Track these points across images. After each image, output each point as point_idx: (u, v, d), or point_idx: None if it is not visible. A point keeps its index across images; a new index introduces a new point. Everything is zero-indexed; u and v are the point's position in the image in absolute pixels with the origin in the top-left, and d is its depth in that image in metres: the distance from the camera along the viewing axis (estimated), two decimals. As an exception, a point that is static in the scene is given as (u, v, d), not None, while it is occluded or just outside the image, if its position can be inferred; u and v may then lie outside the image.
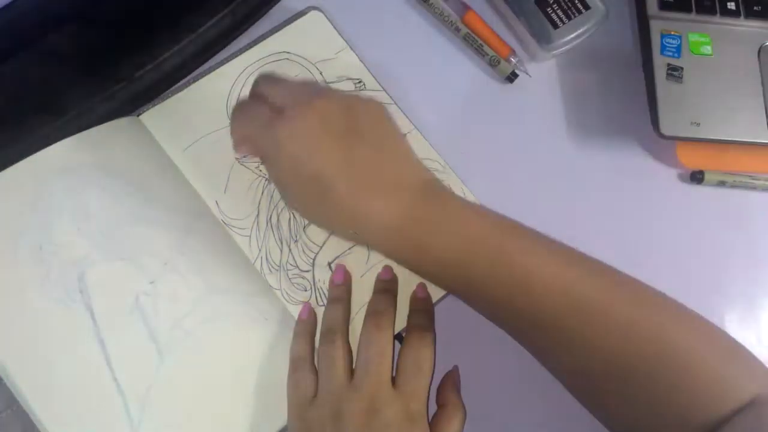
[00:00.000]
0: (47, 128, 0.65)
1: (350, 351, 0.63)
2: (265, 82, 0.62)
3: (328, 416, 0.58)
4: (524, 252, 0.56)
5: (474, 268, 0.55)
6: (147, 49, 0.68)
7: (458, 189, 0.70)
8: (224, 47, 0.72)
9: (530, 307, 0.55)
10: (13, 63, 0.65)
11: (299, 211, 0.65)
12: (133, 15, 0.69)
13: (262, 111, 0.58)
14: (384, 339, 0.61)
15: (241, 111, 0.61)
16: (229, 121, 0.68)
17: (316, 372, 0.62)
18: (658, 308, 0.57)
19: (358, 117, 0.57)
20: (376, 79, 0.73)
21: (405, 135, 0.60)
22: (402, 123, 0.72)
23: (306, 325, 0.65)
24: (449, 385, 0.65)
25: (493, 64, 0.75)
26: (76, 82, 0.66)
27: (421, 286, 0.67)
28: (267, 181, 0.68)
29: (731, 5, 0.75)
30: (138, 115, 0.68)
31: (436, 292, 0.68)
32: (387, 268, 0.67)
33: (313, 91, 0.58)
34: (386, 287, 0.66)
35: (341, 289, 0.66)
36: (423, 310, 0.66)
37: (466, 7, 0.76)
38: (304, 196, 0.57)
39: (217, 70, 0.71)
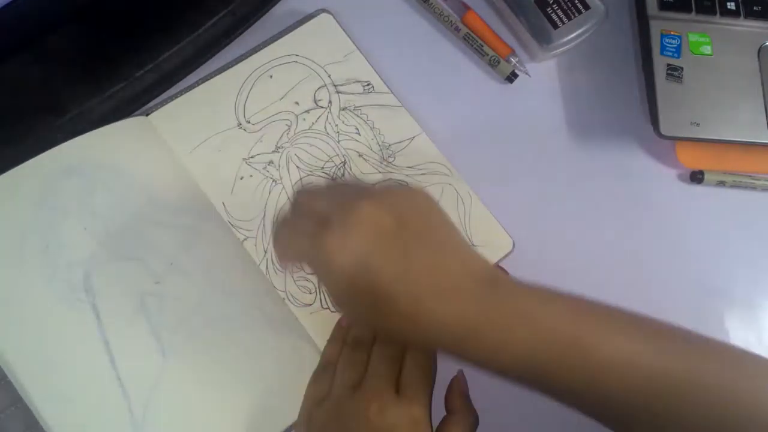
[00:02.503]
0: (47, 128, 0.65)
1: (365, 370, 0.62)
2: (303, 192, 0.58)
3: (332, 416, 0.58)
4: (598, 337, 0.51)
5: (547, 359, 0.51)
6: (147, 49, 0.68)
7: (465, 193, 0.70)
8: (224, 47, 0.73)
9: (612, 394, 0.51)
10: (13, 63, 0.66)
11: (358, 323, 0.62)
12: (133, 15, 0.70)
13: (307, 224, 0.53)
14: (395, 349, 0.61)
15: (284, 226, 0.57)
16: (237, 123, 0.69)
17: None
18: (752, 372, 0.54)
19: (406, 214, 0.51)
20: (384, 82, 0.73)
21: (451, 221, 0.56)
22: (410, 126, 0.72)
23: (342, 331, 0.65)
24: (456, 391, 0.64)
25: (493, 64, 0.75)
26: (76, 82, 0.66)
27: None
28: (274, 183, 0.69)
29: (731, 5, 0.75)
30: (147, 115, 0.68)
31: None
32: None
33: (355, 194, 0.52)
34: None
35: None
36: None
37: (466, 7, 0.76)
38: (362, 308, 0.51)
39: (226, 72, 0.71)
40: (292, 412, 0.62)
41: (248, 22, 0.73)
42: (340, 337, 0.65)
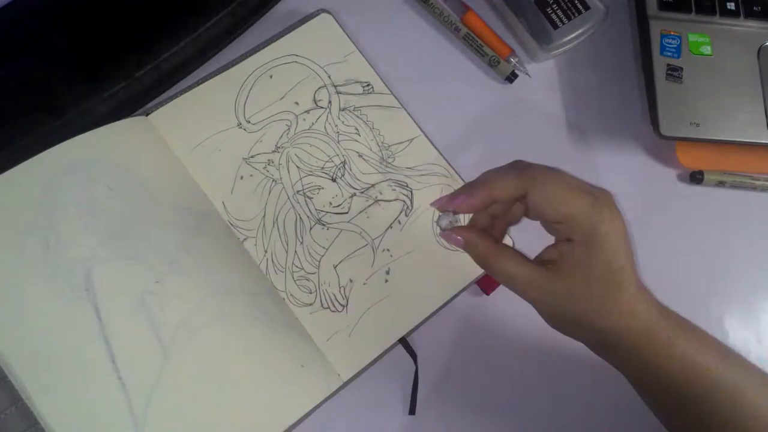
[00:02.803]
0: (47, 128, 0.65)
1: None
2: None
3: None
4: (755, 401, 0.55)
5: (719, 373, 0.54)
6: (147, 49, 0.68)
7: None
8: (224, 47, 0.73)
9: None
10: (13, 63, 0.66)
11: (563, 303, 0.56)
12: (132, 15, 0.69)
13: (580, 183, 0.54)
14: None
15: (549, 175, 0.55)
16: (237, 122, 0.70)
17: None
18: None
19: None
20: (384, 83, 0.73)
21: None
22: (410, 127, 0.72)
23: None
24: None
25: (493, 64, 0.75)
26: (76, 82, 0.66)
27: None
28: (273, 182, 0.69)
29: (731, 5, 0.75)
30: (147, 115, 0.69)
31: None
32: None
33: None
34: None
35: None
36: None
37: (466, 7, 0.76)
38: (594, 285, 0.53)
39: (227, 72, 0.71)
40: (293, 412, 0.63)
41: (248, 23, 0.73)
42: None
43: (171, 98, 0.69)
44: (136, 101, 0.69)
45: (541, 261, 0.56)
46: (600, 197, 0.52)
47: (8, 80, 0.66)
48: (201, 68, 0.72)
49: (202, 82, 0.70)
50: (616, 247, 0.52)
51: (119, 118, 0.67)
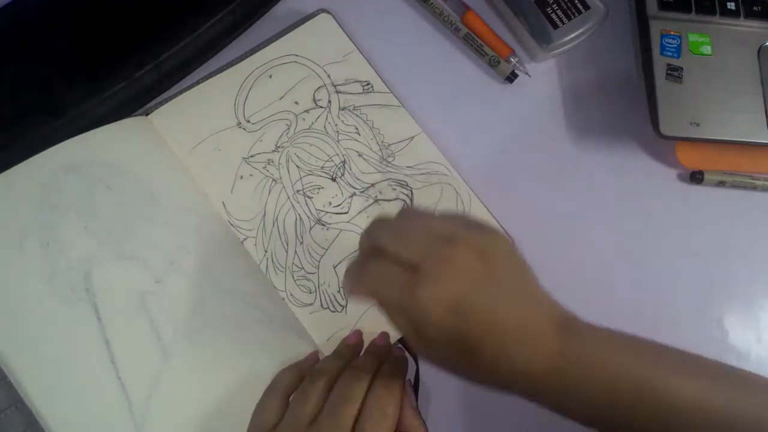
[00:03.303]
0: (47, 128, 0.65)
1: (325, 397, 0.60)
2: (381, 232, 0.56)
3: None
4: (667, 381, 0.53)
5: (618, 404, 0.53)
6: (147, 49, 0.69)
7: (464, 193, 0.71)
8: (224, 47, 0.73)
9: None
10: (13, 63, 0.66)
11: (438, 365, 0.57)
12: (133, 15, 0.69)
13: (395, 275, 0.52)
14: (358, 388, 0.59)
15: (368, 272, 0.55)
16: (236, 122, 0.70)
17: (287, 406, 0.60)
18: None
19: (493, 261, 0.52)
20: (384, 82, 0.73)
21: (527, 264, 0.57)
22: (410, 126, 0.72)
23: (349, 349, 0.64)
24: (406, 407, 0.62)
25: (493, 64, 0.75)
26: (76, 82, 0.66)
27: (383, 335, 0.66)
28: (273, 182, 0.69)
29: (731, 5, 0.75)
30: (147, 114, 0.69)
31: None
32: (383, 335, 0.66)
33: (442, 239, 0.53)
34: (378, 352, 0.64)
35: (350, 349, 0.64)
36: (393, 359, 0.64)
37: (466, 7, 0.76)
38: (448, 355, 0.53)
39: (226, 71, 0.71)
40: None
41: (248, 23, 0.73)
42: (344, 354, 0.64)
43: (171, 98, 0.69)
44: (136, 101, 0.69)
45: None
46: (421, 274, 0.50)
47: (8, 80, 0.66)
48: (201, 68, 0.72)
49: (202, 81, 0.70)
50: (455, 325, 0.50)
51: (119, 118, 0.67)
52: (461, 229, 0.54)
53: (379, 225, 0.57)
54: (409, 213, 0.57)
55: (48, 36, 0.67)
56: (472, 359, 0.51)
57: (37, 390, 0.58)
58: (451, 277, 0.50)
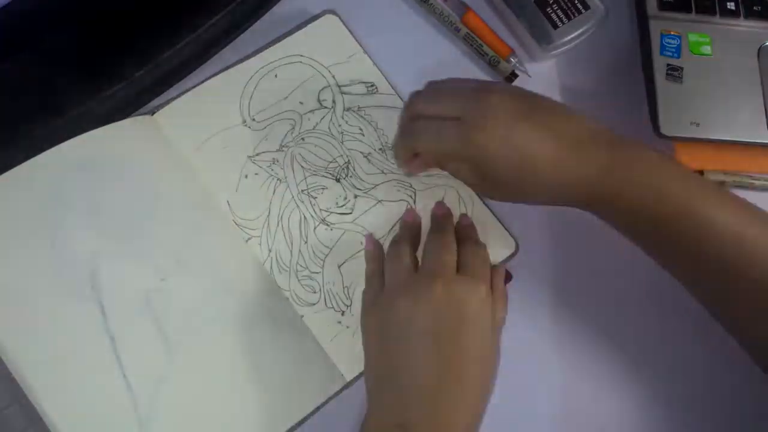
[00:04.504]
0: (47, 128, 0.65)
1: (416, 257, 0.65)
2: (417, 100, 0.64)
3: (398, 294, 0.61)
4: (708, 204, 0.58)
5: (660, 217, 0.58)
6: (147, 49, 0.68)
7: (467, 196, 0.71)
8: (224, 47, 0.73)
9: (710, 257, 0.58)
10: (13, 63, 0.65)
11: (499, 197, 0.66)
12: (133, 15, 0.69)
13: (444, 126, 0.61)
14: (447, 237, 0.65)
15: (420, 128, 0.63)
16: (242, 120, 0.70)
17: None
18: None
19: (524, 96, 0.62)
20: (389, 83, 0.73)
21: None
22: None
23: (374, 252, 0.68)
24: (496, 276, 0.66)
25: (493, 64, 0.75)
26: (76, 82, 0.66)
27: (438, 205, 0.71)
28: (278, 182, 0.69)
29: (731, 5, 0.75)
30: (152, 114, 0.69)
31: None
32: (438, 204, 0.71)
33: (473, 91, 0.61)
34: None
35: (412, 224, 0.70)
36: (470, 227, 0.70)
37: (466, 7, 0.76)
38: (509, 182, 0.60)
39: (232, 70, 0.71)
40: (295, 411, 0.63)
41: (247, 23, 0.73)
42: (374, 255, 0.68)
43: (176, 97, 0.69)
44: (136, 101, 0.69)
45: None
46: (471, 123, 0.59)
47: (8, 80, 0.66)
48: (206, 67, 0.72)
49: (207, 80, 0.70)
50: (511, 152, 0.58)
51: (119, 118, 0.67)
52: (488, 82, 0.64)
53: (412, 97, 0.65)
54: (437, 82, 0.65)
55: (48, 36, 0.67)
56: (534, 177, 0.59)
57: (41, 387, 0.58)
58: (498, 115, 0.59)
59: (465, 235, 0.67)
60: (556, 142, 0.58)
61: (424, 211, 0.70)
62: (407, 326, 0.58)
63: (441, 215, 0.69)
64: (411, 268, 0.62)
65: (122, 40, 0.69)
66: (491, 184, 0.62)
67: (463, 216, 0.70)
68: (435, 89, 0.64)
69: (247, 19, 0.73)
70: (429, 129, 0.62)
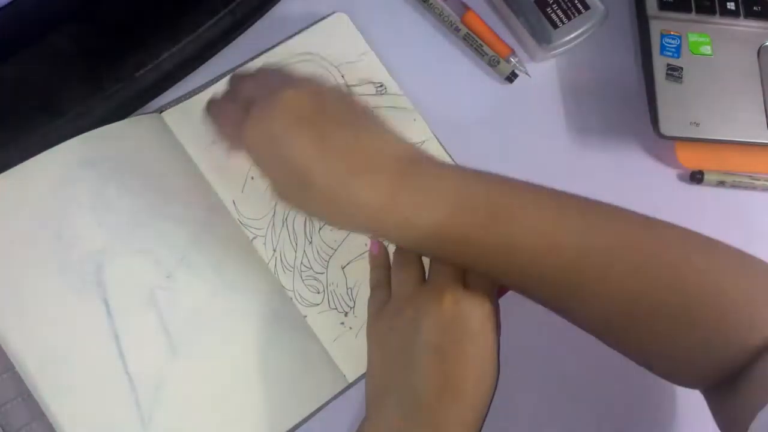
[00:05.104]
0: (47, 128, 0.64)
1: (423, 266, 0.62)
2: (235, 78, 0.63)
3: (404, 307, 0.59)
4: (512, 213, 0.54)
5: (464, 238, 0.54)
6: (147, 49, 0.68)
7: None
8: (224, 47, 0.72)
9: (531, 269, 0.54)
10: (13, 63, 0.65)
11: (286, 204, 0.60)
12: (132, 15, 0.69)
13: (232, 109, 0.58)
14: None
15: (212, 109, 0.63)
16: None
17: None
18: (674, 242, 0.57)
19: (327, 101, 0.55)
20: (398, 84, 0.73)
21: (374, 110, 0.59)
22: (422, 129, 0.73)
23: (379, 258, 0.66)
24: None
25: (492, 64, 0.75)
26: (76, 82, 0.66)
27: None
28: None
29: (731, 5, 0.75)
30: (160, 113, 0.69)
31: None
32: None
33: (280, 81, 0.57)
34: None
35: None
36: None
37: (466, 7, 0.76)
38: (287, 188, 0.55)
39: (240, 70, 0.71)
40: (298, 411, 0.63)
41: (248, 23, 0.73)
42: (379, 263, 0.66)
43: (185, 96, 0.70)
44: (136, 101, 0.69)
45: None
46: (250, 111, 0.54)
47: (8, 80, 0.65)
48: (215, 67, 0.72)
49: (216, 80, 0.70)
50: (278, 157, 0.53)
51: (120, 118, 0.67)
52: (307, 80, 0.58)
53: (235, 74, 0.64)
54: (268, 68, 0.62)
55: (48, 36, 0.66)
56: (308, 192, 0.53)
57: (43, 382, 0.58)
58: (275, 116, 0.53)
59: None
60: (334, 156, 0.52)
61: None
62: (412, 340, 0.57)
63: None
64: (419, 278, 0.61)
65: (122, 40, 0.68)
66: (273, 186, 0.56)
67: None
68: (260, 72, 0.62)
69: (248, 19, 0.73)
70: (219, 111, 0.62)
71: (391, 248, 0.66)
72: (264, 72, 0.62)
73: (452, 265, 0.59)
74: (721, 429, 0.55)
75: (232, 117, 0.57)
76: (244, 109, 0.55)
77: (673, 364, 0.57)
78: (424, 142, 0.72)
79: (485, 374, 0.57)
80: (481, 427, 0.58)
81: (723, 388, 0.54)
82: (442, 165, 0.57)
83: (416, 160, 0.56)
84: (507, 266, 0.55)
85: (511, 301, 0.64)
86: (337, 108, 0.56)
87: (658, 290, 0.53)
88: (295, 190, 0.54)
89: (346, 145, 0.53)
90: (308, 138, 0.52)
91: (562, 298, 0.56)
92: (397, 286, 0.61)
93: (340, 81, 0.72)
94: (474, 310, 0.57)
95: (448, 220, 0.53)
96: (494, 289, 0.61)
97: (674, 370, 0.58)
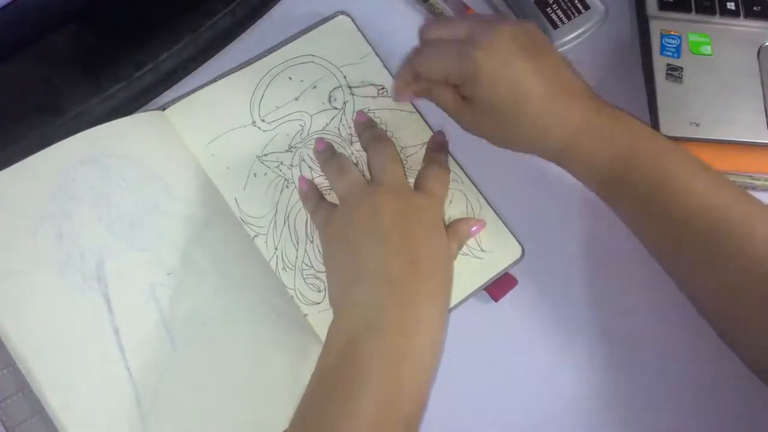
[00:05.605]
0: (47, 128, 0.65)
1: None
2: (434, 25, 0.67)
3: (360, 206, 0.62)
4: (679, 169, 0.60)
5: (627, 172, 0.61)
6: (147, 49, 0.68)
7: (474, 200, 0.71)
8: (224, 47, 0.73)
9: (674, 219, 0.60)
10: (13, 63, 0.65)
11: (480, 131, 0.67)
12: (132, 15, 0.69)
13: (451, 46, 0.63)
14: (391, 148, 0.67)
15: (430, 50, 0.65)
16: (251, 120, 0.70)
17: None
18: None
19: (535, 35, 0.63)
20: None
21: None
22: (423, 131, 0.73)
23: (310, 191, 0.68)
24: (435, 146, 0.71)
25: (493, 64, 0.75)
26: (76, 82, 0.66)
27: (359, 113, 0.72)
28: (286, 181, 0.69)
29: (731, 5, 0.75)
30: (163, 110, 0.69)
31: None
32: (360, 113, 0.72)
33: (490, 20, 0.64)
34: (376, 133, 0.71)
35: (328, 149, 0.70)
36: (440, 147, 0.71)
37: (466, 7, 0.76)
38: (494, 113, 0.62)
39: (243, 70, 0.71)
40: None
41: (248, 23, 0.73)
42: (312, 194, 0.68)
43: (187, 94, 0.70)
44: (135, 101, 0.69)
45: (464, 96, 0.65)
46: (475, 41, 0.61)
47: (8, 80, 0.65)
48: (218, 65, 0.72)
49: (219, 78, 0.70)
50: (507, 78, 0.60)
51: (119, 118, 0.67)
52: (505, 18, 0.67)
53: (428, 23, 0.67)
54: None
55: (48, 36, 0.66)
56: (517, 117, 0.62)
57: (44, 377, 0.58)
58: (502, 40, 0.60)
59: (433, 157, 0.70)
60: (551, 86, 0.61)
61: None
62: (374, 227, 0.60)
63: (363, 122, 0.71)
64: (363, 180, 0.65)
65: (122, 39, 0.68)
66: (475, 111, 0.64)
67: (438, 133, 0.73)
68: (451, 18, 0.68)
69: (247, 20, 0.73)
70: (433, 47, 0.65)
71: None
72: (465, 15, 0.70)
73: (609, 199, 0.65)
74: None
75: (452, 50, 0.62)
76: (464, 43, 0.62)
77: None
78: (425, 143, 0.72)
79: (444, 259, 0.62)
80: (447, 316, 0.62)
81: None
82: (625, 113, 0.63)
83: (603, 102, 0.64)
84: (646, 210, 0.62)
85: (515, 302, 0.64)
86: (543, 42, 0.64)
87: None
88: (505, 110, 0.62)
89: (559, 75, 0.62)
90: (528, 63, 0.60)
91: (682, 253, 0.61)
92: (345, 188, 0.64)
93: (343, 82, 0.72)
94: (427, 205, 0.63)
95: (619, 159, 0.61)
96: (445, 197, 0.67)
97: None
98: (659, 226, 0.61)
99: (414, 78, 0.66)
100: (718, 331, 0.62)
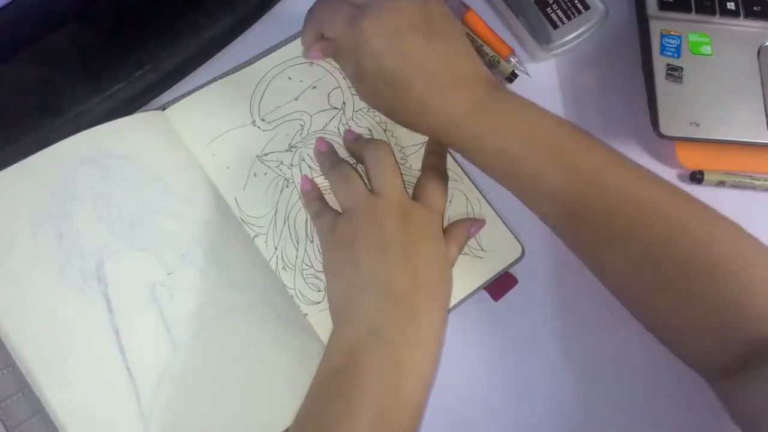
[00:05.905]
0: (47, 128, 0.65)
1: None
2: None
3: (364, 217, 0.62)
4: (578, 149, 0.61)
5: (527, 161, 0.60)
6: (147, 49, 0.68)
7: (474, 199, 0.71)
8: (224, 47, 0.73)
9: (580, 202, 0.60)
10: (13, 63, 0.65)
11: (371, 103, 0.67)
12: (133, 15, 0.69)
13: (344, 8, 0.63)
14: (389, 157, 0.65)
15: (322, 7, 0.66)
16: (251, 120, 0.70)
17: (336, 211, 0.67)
18: (719, 221, 0.61)
19: (434, 14, 0.62)
20: None
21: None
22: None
23: (312, 192, 0.68)
24: (433, 152, 0.71)
25: (492, 64, 0.75)
26: (75, 82, 0.66)
27: (348, 132, 0.71)
28: (286, 181, 0.69)
29: (731, 5, 0.75)
30: (163, 109, 0.69)
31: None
32: (348, 131, 0.71)
33: None
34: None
35: (330, 151, 0.69)
36: (439, 153, 0.71)
37: (466, 7, 0.76)
38: (381, 87, 0.62)
39: (244, 69, 0.71)
40: (298, 408, 0.62)
41: (248, 23, 0.73)
42: (313, 196, 0.68)
43: (187, 94, 0.70)
44: (136, 101, 0.69)
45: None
46: (367, 10, 0.61)
47: (8, 80, 0.65)
48: (218, 65, 0.72)
49: (219, 78, 0.70)
50: (391, 56, 0.60)
51: (120, 118, 0.67)
52: None
53: None
54: None
55: (48, 36, 0.66)
56: (403, 93, 0.61)
57: (44, 377, 0.58)
58: (394, 15, 0.60)
59: (432, 163, 0.70)
60: (437, 65, 0.60)
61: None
62: (376, 240, 0.61)
63: (353, 138, 0.70)
64: (366, 190, 0.64)
65: (122, 39, 0.68)
66: (367, 85, 0.64)
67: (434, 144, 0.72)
68: None
69: (247, 20, 0.73)
70: (329, 9, 0.65)
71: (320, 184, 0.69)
72: None
73: (502, 180, 0.64)
74: (738, 423, 0.57)
75: (342, 13, 0.62)
76: (357, 9, 0.62)
77: (688, 330, 0.59)
78: (424, 143, 0.72)
79: (444, 273, 0.63)
80: (445, 324, 0.62)
81: (735, 379, 0.57)
82: (516, 96, 0.64)
83: (496, 86, 0.63)
84: (554, 196, 0.61)
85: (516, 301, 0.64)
86: (441, 22, 0.63)
87: (694, 245, 0.58)
88: (388, 90, 0.62)
89: (447, 58, 0.61)
90: (417, 44, 0.60)
91: (599, 239, 0.61)
92: (349, 198, 0.64)
93: (342, 83, 0.72)
94: (427, 218, 0.63)
95: (512, 146, 0.60)
96: (443, 205, 0.67)
97: (687, 339, 0.60)
98: (561, 207, 0.62)
99: (320, 36, 0.67)
100: (624, 303, 0.64)
